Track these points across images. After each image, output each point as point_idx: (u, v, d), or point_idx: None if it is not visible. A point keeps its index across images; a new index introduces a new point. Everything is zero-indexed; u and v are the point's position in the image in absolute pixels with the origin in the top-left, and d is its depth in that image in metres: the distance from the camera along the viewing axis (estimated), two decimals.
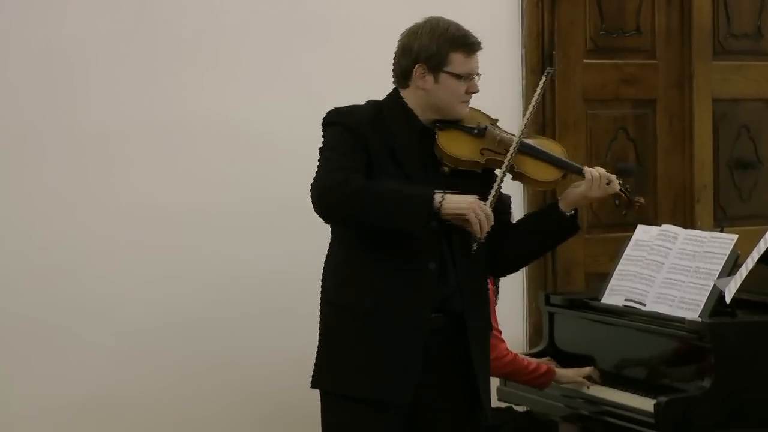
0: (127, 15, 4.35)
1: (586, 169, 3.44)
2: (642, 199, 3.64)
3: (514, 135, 3.37)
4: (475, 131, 3.38)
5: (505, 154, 3.35)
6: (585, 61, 5.09)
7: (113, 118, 4.33)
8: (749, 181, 5.43)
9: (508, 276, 4.55)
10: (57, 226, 4.27)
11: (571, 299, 4.31)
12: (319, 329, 3.41)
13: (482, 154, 3.36)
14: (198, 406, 4.44)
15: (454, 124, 3.39)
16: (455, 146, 3.35)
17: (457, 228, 3.28)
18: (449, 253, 3.34)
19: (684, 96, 5.27)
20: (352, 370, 3.31)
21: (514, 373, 4.05)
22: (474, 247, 3.24)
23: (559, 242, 3.68)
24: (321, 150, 3.31)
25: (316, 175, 3.24)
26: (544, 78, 3.48)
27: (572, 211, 3.46)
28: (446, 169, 3.35)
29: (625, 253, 4.12)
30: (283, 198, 4.40)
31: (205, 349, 4.45)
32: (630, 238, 4.16)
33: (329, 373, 3.36)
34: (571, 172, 3.49)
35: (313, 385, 3.40)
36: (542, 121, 4.97)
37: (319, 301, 3.38)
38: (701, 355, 3.66)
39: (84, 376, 4.30)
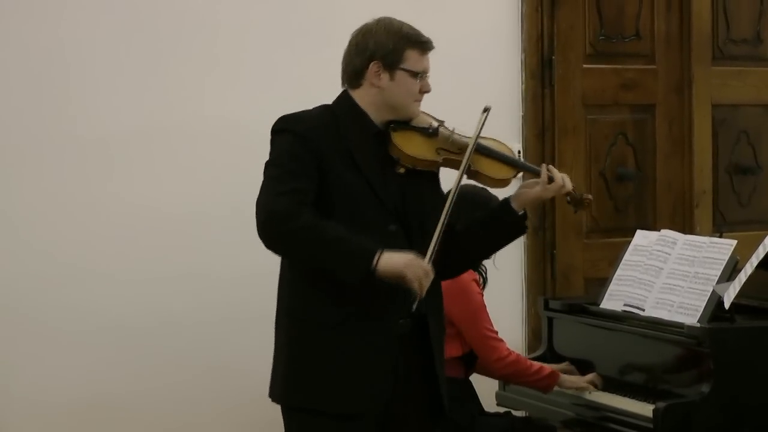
0: (126, 19, 4.35)
1: (544, 169, 3.45)
2: (590, 196, 3.64)
3: (464, 135, 3.37)
4: (429, 131, 3.38)
5: (460, 153, 3.35)
6: (584, 66, 5.09)
7: (113, 121, 4.34)
8: (748, 187, 5.43)
9: (504, 281, 4.61)
10: (57, 228, 4.28)
11: (570, 304, 4.31)
12: (278, 341, 3.37)
13: (438, 153, 3.36)
14: (195, 407, 4.45)
15: (406, 124, 3.38)
16: (412, 146, 3.35)
17: (418, 232, 3.29)
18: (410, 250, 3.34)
19: (683, 101, 5.28)
20: (324, 385, 3.28)
21: (516, 374, 4.05)
22: (414, 306, 3.22)
23: (507, 242, 3.66)
24: (268, 164, 3.25)
25: (262, 192, 3.18)
26: (484, 115, 3.44)
27: (523, 211, 3.46)
28: (402, 169, 3.35)
29: (624, 258, 4.12)
30: None
31: (204, 351, 4.45)
32: (629, 243, 4.16)
33: (298, 388, 3.32)
34: (527, 171, 3.51)
35: (278, 400, 3.36)
36: (542, 126, 4.97)
37: None
38: (700, 361, 3.66)
39: (83, 377, 4.30)
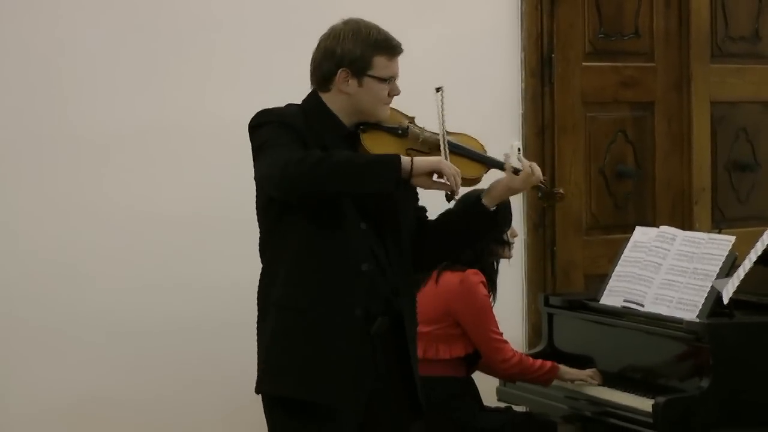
0: (124, 19, 4.35)
1: (507, 163, 3.44)
2: (562, 190, 3.63)
3: (434, 132, 3.36)
4: (399, 131, 3.37)
5: (431, 152, 3.35)
6: (584, 63, 5.10)
7: (110, 122, 4.34)
8: (747, 183, 5.44)
9: (506, 278, 4.61)
10: (54, 230, 4.28)
11: (570, 300, 4.32)
12: (261, 332, 3.36)
13: (408, 154, 3.35)
14: (192, 409, 4.45)
15: (376, 125, 3.38)
16: (381, 148, 3.34)
17: (389, 230, 3.30)
18: (384, 255, 3.35)
19: (682, 99, 5.29)
20: (306, 374, 3.30)
21: (520, 374, 4.07)
22: (453, 201, 3.24)
23: (481, 237, 3.67)
24: (260, 147, 3.25)
25: (268, 161, 3.17)
26: (439, 94, 3.43)
27: (495, 207, 3.45)
28: None
29: (623, 254, 4.14)
30: None
31: (202, 352, 4.45)
32: (628, 239, 4.17)
33: (280, 376, 3.33)
34: (496, 167, 3.49)
35: (260, 389, 3.38)
36: (541, 123, 4.98)
37: None
38: (699, 356, 3.68)
39: (81, 378, 4.30)
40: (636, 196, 5.21)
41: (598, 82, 5.13)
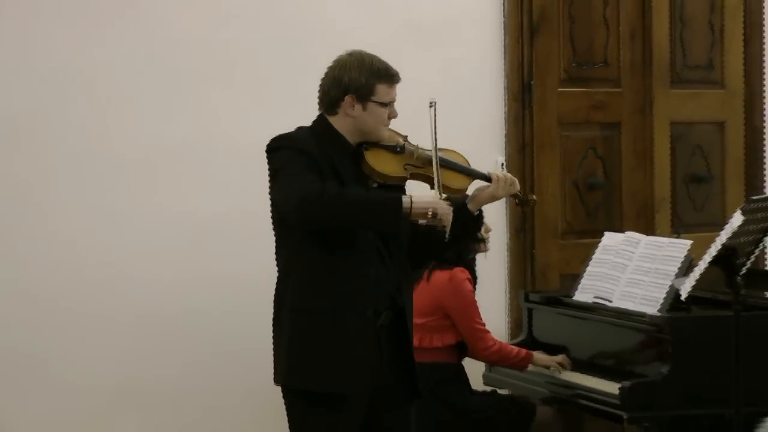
0: (164, 51, 4.36)
1: (493, 173, 3.47)
2: (534, 196, 3.69)
3: (426, 149, 3.38)
4: (397, 149, 3.39)
5: (425, 168, 3.37)
6: (559, 89, 5.09)
7: (144, 140, 4.34)
8: (702, 194, 5.43)
9: (490, 278, 4.61)
10: (96, 233, 4.28)
11: (547, 297, 4.34)
12: (279, 332, 3.36)
13: (406, 168, 3.37)
14: (215, 388, 4.44)
15: (377, 144, 3.40)
16: (383, 164, 3.36)
17: (391, 235, 3.31)
18: (388, 257, 3.35)
19: (645, 120, 5.28)
20: (321, 368, 3.30)
21: (501, 360, 4.09)
22: (447, 236, 3.27)
23: (465, 237, 3.70)
24: (278, 171, 3.25)
25: (285, 188, 3.19)
26: (432, 110, 3.44)
27: (478, 212, 3.48)
28: (375, 184, 3.38)
29: (594, 256, 4.14)
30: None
31: (226, 340, 4.44)
32: (599, 243, 4.17)
33: (296, 371, 3.34)
34: (479, 178, 3.51)
35: (280, 382, 3.38)
36: (522, 142, 4.98)
37: None
38: (660, 345, 3.69)
39: (117, 362, 4.31)
40: (605, 205, 5.21)
41: (572, 105, 5.13)
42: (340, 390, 3.26)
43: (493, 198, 3.50)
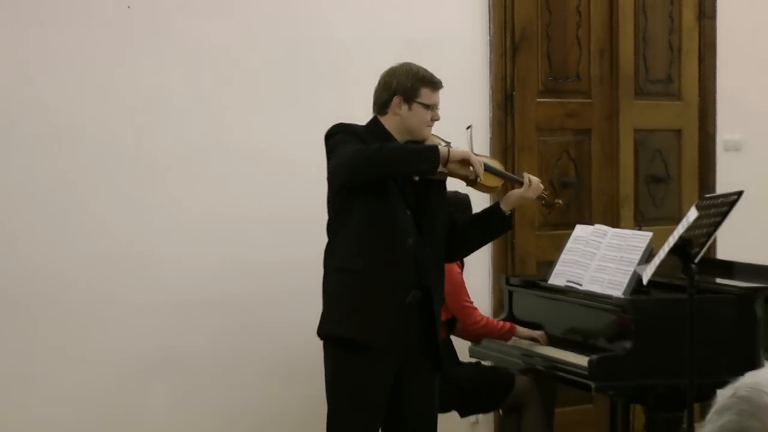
0: (187, 67, 4.36)
1: (525, 177, 3.51)
2: (560, 201, 3.72)
3: None
4: None
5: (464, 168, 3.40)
6: (537, 100, 5.11)
7: (174, 143, 4.34)
8: (661, 192, 5.45)
9: (477, 264, 4.63)
10: (132, 225, 4.28)
11: (526, 281, 4.35)
12: (327, 292, 3.41)
13: (446, 166, 3.39)
14: (235, 362, 4.45)
15: (421, 143, 3.41)
16: None
17: (425, 216, 3.33)
18: (421, 236, 3.39)
19: (612, 127, 5.30)
20: (355, 318, 3.34)
21: (486, 333, 4.13)
22: (476, 183, 3.36)
23: (495, 237, 3.77)
24: (334, 148, 3.31)
25: (340, 154, 3.25)
26: (469, 131, 3.50)
27: (509, 212, 3.52)
28: (416, 177, 3.40)
29: (566, 245, 4.16)
30: (300, 203, 4.41)
31: (244, 318, 4.45)
32: (571, 234, 4.19)
33: (335, 321, 3.37)
34: (512, 181, 3.54)
35: (321, 332, 3.42)
36: (505, 145, 4.99)
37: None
38: (624, 324, 3.71)
39: (148, 338, 4.32)
40: (576, 201, 5.23)
41: (548, 113, 5.14)
42: (370, 339, 3.30)
43: (523, 199, 3.56)
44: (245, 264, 4.43)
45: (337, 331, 3.36)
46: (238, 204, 4.42)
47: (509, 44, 4.99)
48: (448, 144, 3.43)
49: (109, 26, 4.22)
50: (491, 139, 4.96)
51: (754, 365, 3.60)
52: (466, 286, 4.11)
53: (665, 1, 5.41)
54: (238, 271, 4.43)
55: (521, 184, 3.53)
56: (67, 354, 4.18)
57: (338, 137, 3.33)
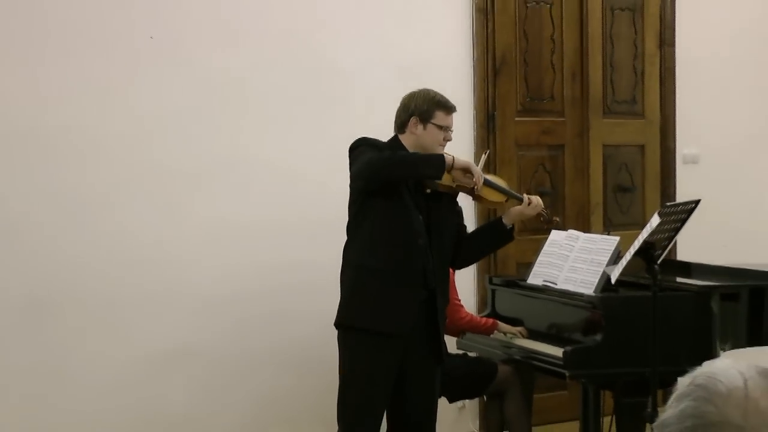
0: (209, 90, 4.37)
1: (526, 196, 3.52)
2: (557, 218, 3.73)
3: None
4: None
5: (470, 184, 3.40)
6: (516, 118, 5.12)
7: (196, 157, 4.35)
8: (627, 201, 5.46)
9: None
10: (160, 231, 4.29)
11: (507, 280, 4.35)
12: (344, 285, 3.41)
13: (454, 182, 3.40)
14: (249, 355, 4.44)
15: None
16: None
17: (434, 226, 3.34)
18: (429, 240, 3.40)
19: (583, 143, 5.31)
20: (369, 310, 3.34)
21: (471, 328, 4.12)
22: (477, 192, 3.36)
23: (499, 247, 3.78)
24: (356, 159, 3.33)
25: (358, 162, 3.28)
26: (485, 156, 3.52)
27: (511, 225, 3.52)
28: (428, 190, 3.40)
29: (543, 248, 4.16)
30: (308, 210, 4.43)
31: (259, 314, 4.44)
32: (547, 238, 4.19)
33: (352, 313, 3.38)
34: (513, 198, 3.55)
35: (338, 322, 3.43)
36: (487, 159, 4.96)
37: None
38: (595, 319, 3.71)
39: (170, 334, 4.31)
40: (551, 208, 5.21)
41: (526, 131, 5.15)
42: (382, 328, 3.31)
43: (522, 215, 3.57)
44: (258, 265, 4.43)
45: (354, 321, 3.38)
46: (251, 212, 4.42)
47: (491, 69, 5.00)
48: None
49: (135, 55, 4.24)
50: (475, 154, 4.95)
51: (711, 355, 3.61)
52: (455, 285, 4.11)
53: (630, 30, 5.43)
54: (252, 272, 4.43)
55: (521, 201, 3.54)
56: (96, 348, 4.18)
57: (360, 149, 3.36)
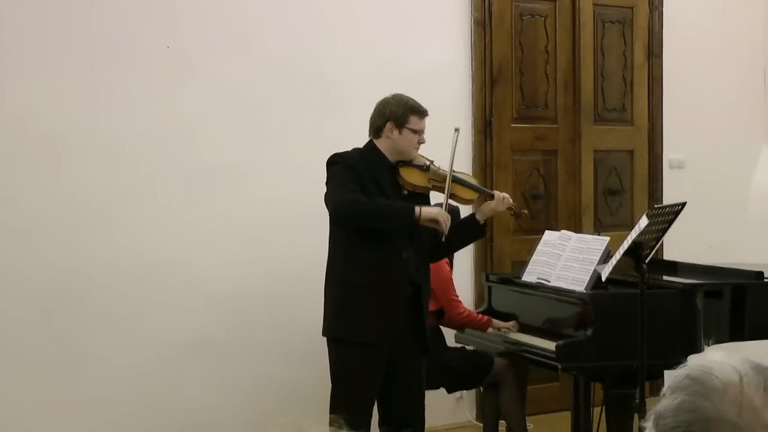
0: (226, 99, 4.38)
1: (496, 193, 3.52)
2: (526, 210, 3.72)
3: (445, 170, 3.41)
4: (424, 167, 3.43)
5: (443, 182, 3.40)
6: (512, 125, 5.12)
7: (208, 163, 4.36)
8: (616, 203, 5.46)
9: (461, 263, 4.63)
10: (173, 233, 4.29)
11: (502, 277, 4.34)
12: (327, 297, 3.39)
13: (429, 182, 3.41)
14: (257, 347, 4.45)
15: (409, 162, 3.42)
16: (413, 178, 3.40)
17: (418, 230, 3.34)
18: (411, 246, 3.39)
19: (575, 148, 5.31)
20: (356, 324, 3.33)
21: (468, 324, 4.11)
22: (443, 237, 3.30)
23: (473, 241, 3.75)
24: (331, 179, 3.32)
25: (332, 195, 3.26)
26: (456, 134, 3.48)
27: (483, 221, 3.52)
28: (406, 192, 3.40)
29: (537, 248, 4.15)
30: (313, 212, 4.37)
31: (269, 306, 4.44)
32: (541, 238, 4.19)
33: (339, 326, 3.36)
34: (485, 194, 3.54)
35: (326, 334, 3.41)
36: (485, 163, 5.00)
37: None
38: (586, 314, 3.70)
39: (184, 328, 4.32)
40: (545, 210, 5.24)
41: (521, 137, 5.15)
42: (370, 340, 3.30)
43: (494, 210, 3.56)
44: (266, 262, 4.43)
45: (341, 333, 3.36)
46: (260, 212, 4.42)
47: (488, 78, 5.00)
48: (431, 163, 3.44)
49: (152, 64, 4.25)
50: (473, 158, 4.97)
51: (695, 350, 3.62)
52: (453, 282, 4.11)
53: (620, 42, 5.43)
54: (260, 268, 4.43)
55: (493, 197, 3.54)
56: (116, 341, 4.20)
57: (336, 168, 3.34)
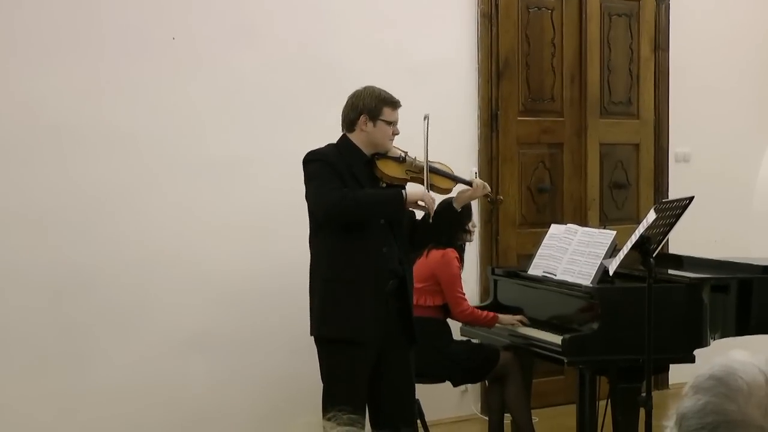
0: (233, 95, 4.37)
1: (473, 180, 3.51)
2: (501, 197, 3.72)
3: (421, 160, 3.40)
4: (400, 159, 3.41)
5: (420, 173, 3.38)
6: (518, 118, 5.09)
7: (214, 155, 4.34)
8: (622, 196, 5.44)
9: (467, 257, 4.60)
10: (179, 227, 4.28)
11: (508, 271, 4.34)
12: (313, 296, 3.36)
13: (407, 173, 3.39)
14: (259, 340, 4.44)
15: (385, 155, 3.40)
16: (389, 170, 3.38)
17: (396, 223, 3.32)
18: (393, 239, 3.37)
19: (581, 141, 5.28)
20: (346, 322, 3.31)
21: (473, 321, 4.08)
22: (430, 218, 3.30)
23: (450, 228, 3.74)
24: (310, 178, 3.28)
25: (315, 194, 3.22)
26: (425, 121, 3.45)
27: (461, 209, 3.51)
28: (384, 184, 3.39)
29: (543, 241, 4.15)
30: None
31: (272, 301, 4.43)
32: (547, 232, 4.18)
33: (326, 324, 3.34)
34: (462, 182, 3.53)
35: (314, 333, 3.39)
36: (490, 156, 4.98)
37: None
38: (592, 308, 3.70)
39: (190, 321, 4.31)
40: (551, 203, 5.22)
41: (527, 130, 5.13)
42: (358, 338, 3.28)
43: (471, 198, 3.54)
44: (272, 257, 4.42)
45: (330, 333, 3.34)
46: (267, 208, 4.41)
47: (494, 71, 4.97)
48: (406, 154, 3.42)
49: (158, 56, 4.23)
50: (479, 152, 4.94)
51: (702, 344, 3.60)
52: (461, 279, 4.09)
53: (626, 35, 5.40)
54: (267, 263, 4.41)
55: (470, 185, 3.52)
56: (123, 333, 4.19)
57: (314, 166, 3.31)
